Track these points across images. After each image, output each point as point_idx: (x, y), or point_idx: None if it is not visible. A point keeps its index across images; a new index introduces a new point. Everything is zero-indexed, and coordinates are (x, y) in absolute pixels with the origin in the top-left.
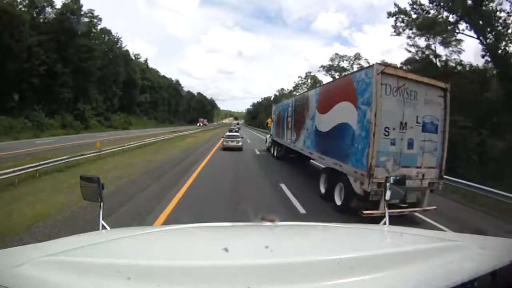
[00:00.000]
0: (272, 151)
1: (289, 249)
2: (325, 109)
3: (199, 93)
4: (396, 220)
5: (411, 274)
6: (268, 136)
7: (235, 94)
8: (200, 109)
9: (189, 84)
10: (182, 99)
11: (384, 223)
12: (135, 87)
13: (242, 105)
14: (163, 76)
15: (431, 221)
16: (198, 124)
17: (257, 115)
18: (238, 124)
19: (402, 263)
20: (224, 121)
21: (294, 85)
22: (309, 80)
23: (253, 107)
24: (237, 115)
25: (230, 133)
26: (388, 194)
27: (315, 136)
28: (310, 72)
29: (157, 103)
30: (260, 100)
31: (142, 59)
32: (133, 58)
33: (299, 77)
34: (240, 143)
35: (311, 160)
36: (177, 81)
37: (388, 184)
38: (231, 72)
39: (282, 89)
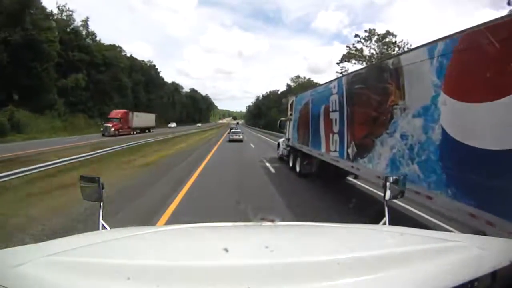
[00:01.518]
0: (291, 164)
1: (289, 249)
2: (494, 87)
3: (192, 89)
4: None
5: (411, 275)
6: (281, 140)
7: (234, 94)
8: (192, 107)
9: (187, 84)
10: (161, 89)
11: (384, 223)
12: (44, 59)
13: (240, 105)
14: (131, 57)
15: None
16: (102, 128)
17: (261, 113)
18: (238, 124)
19: (402, 263)
20: (220, 121)
21: (346, 52)
22: (374, 42)
23: (254, 104)
24: (236, 114)
25: (233, 130)
26: (387, 194)
27: (451, 156)
28: (374, 29)
29: (104, 90)
30: (265, 94)
31: (78, 19)
32: (57, 10)
33: (355, 35)
34: (241, 137)
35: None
36: (152, 64)
37: (388, 183)
38: (229, 72)
39: (298, 76)
